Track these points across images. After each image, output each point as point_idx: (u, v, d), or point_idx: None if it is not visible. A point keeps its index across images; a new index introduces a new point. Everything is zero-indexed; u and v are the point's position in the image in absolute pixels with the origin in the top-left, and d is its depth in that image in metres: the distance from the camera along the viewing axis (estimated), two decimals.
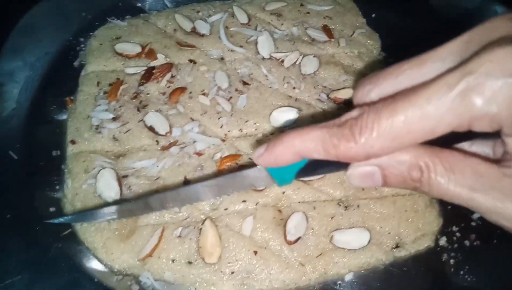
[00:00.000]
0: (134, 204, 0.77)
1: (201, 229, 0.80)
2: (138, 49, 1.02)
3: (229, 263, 0.78)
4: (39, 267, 0.78)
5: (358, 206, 0.83)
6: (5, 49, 1.03)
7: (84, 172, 0.86)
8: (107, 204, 0.81)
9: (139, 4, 1.16)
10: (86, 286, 0.77)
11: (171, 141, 0.89)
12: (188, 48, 1.03)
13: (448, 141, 0.45)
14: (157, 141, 0.89)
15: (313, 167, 0.55)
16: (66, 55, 1.06)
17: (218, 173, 0.85)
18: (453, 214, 0.85)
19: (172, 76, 0.98)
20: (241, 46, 1.03)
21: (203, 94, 0.95)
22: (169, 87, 0.96)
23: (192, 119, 0.92)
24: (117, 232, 0.80)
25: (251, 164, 0.84)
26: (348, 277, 0.80)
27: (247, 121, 0.91)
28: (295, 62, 1.01)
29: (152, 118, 0.91)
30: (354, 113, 0.47)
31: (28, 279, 0.76)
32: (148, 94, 0.96)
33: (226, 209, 0.82)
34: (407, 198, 0.85)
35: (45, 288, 0.76)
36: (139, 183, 0.84)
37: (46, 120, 0.96)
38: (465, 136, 0.45)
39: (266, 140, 0.88)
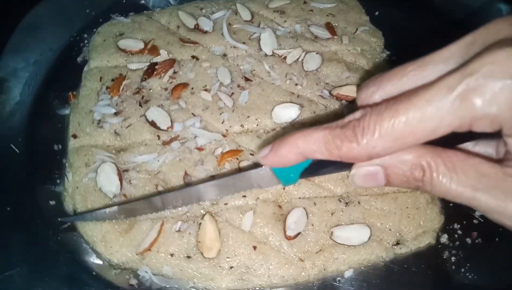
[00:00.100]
0: (137, 204, 0.77)
1: (200, 223, 0.80)
2: (141, 45, 1.03)
3: (228, 258, 0.78)
4: (39, 260, 0.78)
5: (359, 202, 0.83)
6: (9, 46, 1.04)
7: (85, 166, 0.86)
8: (110, 205, 0.81)
9: (143, 1, 1.17)
10: (84, 279, 0.77)
11: (172, 136, 0.89)
12: (191, 45, 1.03)
13: (451, 141, 0.46)
14: (158, 136, 0.89)
15: (317, 167, 0.56)
16: (70, 51, 1.07)
17: (219, 169, 0.85)
18: (455, 211, 0.84)
19: (175, 72, 0.98)
20: (243, 43, 1.03)
21: (205, 90, 0.95)
22: (171, 82, 0.97)
23: (194, 115, 0.92)
24: (116, 226, 0.80)
25: (252, 160, 0.85)
26: (348, 273, 0.79)
27: (248, 117, 0.91)
28: (298, 58, 1.00)
29: (154, 113, 0.91)
30: (357, 114, 0.48)
31: (27, 272, 0.76)
32: (150, 89, 0.96)
33: (226, 204, 0.82)
34: (409, 195, 0.84)
35: (44, 281, 0.76)
36: (139, 177, 0.84)
37: (48, 115, 0.97)
38: (468, 137, 0.45)
39: (267, 137, 0.88)
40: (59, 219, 0.82)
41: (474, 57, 0.41)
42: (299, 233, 0.79)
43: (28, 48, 1.05)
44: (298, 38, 1.04)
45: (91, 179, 0.84)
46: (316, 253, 0.79)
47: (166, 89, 0.96)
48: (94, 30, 1.08)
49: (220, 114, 0.91)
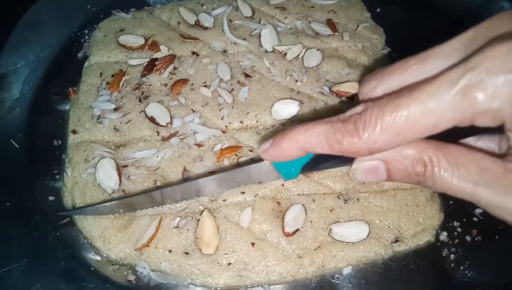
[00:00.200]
0: (137, 198, 0.77)
1: (199, 219, 0.79)
2: (142, 41, 1.02)
3: (226, 254, 0.78)
4: (37, 255, 0.78)
5: (358, 199, 0.83)
6: (10, 42, 1.04)
7: (84, 161, 0.86)
8: (110, 199, 0.81)
9: None
10: (83, 275, 0.77)
11: (172, 132, 0.89)
12: (191, 41, 1.02)
13: (453, 136, 0.45)
14: (157, 131, 0.89)
15: (318, 162, 0.56)
16: (70, 47, 1.07)
17: (218, 165, 0.84)
18: (455, 209, 0.84)
19: (175, 68, 0.98)
20: (244, 39, 1.03)
21: (205, 86, 0.95)
22: (171, 78, 0.96)
23: (193, 111, 0.92)
24: (114, 222, 0.80)
25: (251, 156, 0.85)
26: (346, 270, 0.79)
27: (248, 113, 0.91)
28: (298, 55, 1.00)
29: (153, 109, 0.91)
30: (358, 108, 0.47)
31: (26, 267, 0.77)
32: (150, 85, 0.96)
33: (224, 200, 0.82)
34: (408, 192, 0.84)
35: (43, 276, 0.76)
36: (138, 173, 0.84)
37: (48, 111, 0.97)
38: (470, 131, 0.45)
39: (266, 133, 0.88)
40: (58, 213, 0.82)
41: (476, 51, 0.41)
42: (297, 230, 0.79)
43: (28, 44, 1.05)
44: (298, 35, 1.04)
45: (90, 175, 0.84)
46: (315, 250, 0.79)
47: (166, 85, 0.95)
48: (95, 25, 1.08)
49: (220, 110, 0.91)
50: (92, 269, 0.78)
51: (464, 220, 0.83)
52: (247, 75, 0.96)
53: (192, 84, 0.95)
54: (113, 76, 0.97)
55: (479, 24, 0.44)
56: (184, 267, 0.77)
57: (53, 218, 0.82)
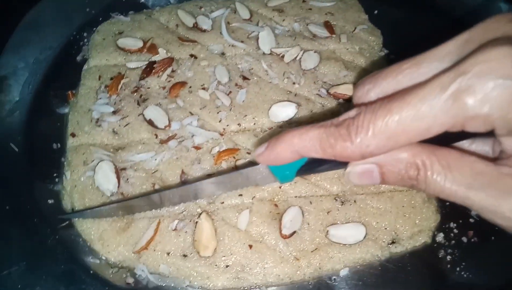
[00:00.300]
0: (135, 201, 0.78)
1: (197, 222, 0.80)
2: (140, 44, 1.03)
3: (224, 256, 0.78)
4: (36, 258, 0.79)
5: (354, 201, 0.83)
6: (9, 44, 1.05)
7: (83, 164, 0.87)
8: (109, 202, 0.82)
9: (142, 0, 1.17)
10: (81, 278, 0.77)
11: (170, 135, 0.89)
12: (190, 43, 1.03)
13: (446, 139, 0.46)
14: (156, 134, 0.90)
15: (313, 165, 0.56)
16: (69, 50, 1.08)
17: (216, 167, 0.85)
18: (451, 210, 0.84)
19: (173, 71, 0.98)
20: (242, 42, 1.03)
21: (203, 89, 0.95)
22: (169, 81, 0.97)
23: (191, 113, 0.92)
24: (113, 224, 0.81)
25: (248, 159, 0.85)
26: (343, 272, 0.79)
27: (246, 115, 0.91)
28: (296, 57, 1.00)
29: (152, 112, 0.91)
30: (351, 113, 0.47)
31: (25, 270, 0.77)
32: (148, 88, 0.96)
33: (222, 202, 0.82)
34: (405, 193, 0.84)
35: (42, 279, 0.76)
36: (137, 176, 0.85)
37: (47, 114, 0.98)
38: (464, 135, 0.45)
39: (264, 136, 0.88)
40: (58, 216, 0.83)
41: (468, 55, 0.41)
42: (294, 232, 0.80)
43: (28, 47, 1.05)
44: (296, 37, 1.04)
45: (89, 178, 0.85)
46: (312, 252, 0.79)
47: (164, 87, 0.96)
48: (94, 28, 1.09)
49: (218, 112, 0.92)
50: (91, 272, 0.78)
51: (461, 221, 0.84)
52: (245, 78, 0.97)
53: (190, 87, 0.95)
54: (111, 79, 0.97)
55: (474, 26, 0.44)
56: (182, 270, 0.78)
57: (52, 220, 0.83)
